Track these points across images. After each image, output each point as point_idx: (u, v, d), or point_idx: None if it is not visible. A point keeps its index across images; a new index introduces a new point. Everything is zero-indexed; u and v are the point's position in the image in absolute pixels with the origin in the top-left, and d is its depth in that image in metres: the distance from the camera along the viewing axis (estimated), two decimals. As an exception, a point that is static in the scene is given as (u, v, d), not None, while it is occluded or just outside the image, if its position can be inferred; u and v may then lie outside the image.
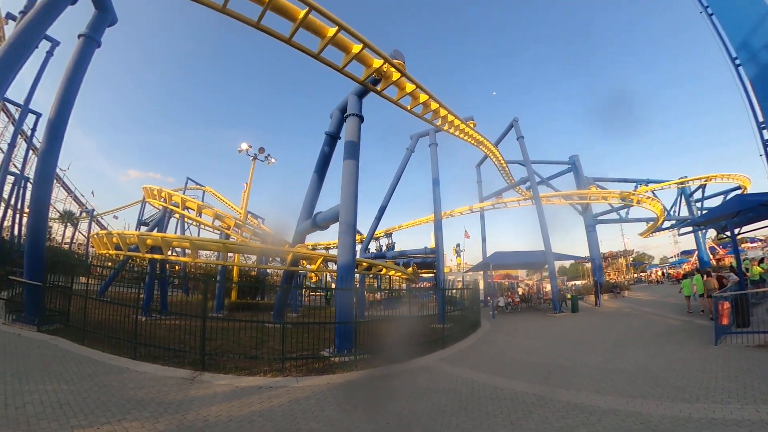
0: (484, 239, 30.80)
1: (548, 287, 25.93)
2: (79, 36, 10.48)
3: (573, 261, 33.15)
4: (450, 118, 14.26)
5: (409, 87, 11.27)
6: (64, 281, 9.62)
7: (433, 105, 12.65)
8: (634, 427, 4.59)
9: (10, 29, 18.14)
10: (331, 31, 9.23)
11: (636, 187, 34.15)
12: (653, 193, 32.64)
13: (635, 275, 49.31)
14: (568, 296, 21.31)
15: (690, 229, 37.50)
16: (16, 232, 25.51)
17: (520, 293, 26.53)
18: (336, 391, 6.27)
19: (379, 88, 10.89)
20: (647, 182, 34.59)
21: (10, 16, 18.84)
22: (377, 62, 10.18)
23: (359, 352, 8.37)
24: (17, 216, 25.77)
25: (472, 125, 17.88)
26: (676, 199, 36.01)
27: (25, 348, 7.25)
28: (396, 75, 10.52)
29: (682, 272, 36.58)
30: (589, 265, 33.27)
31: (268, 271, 23.35)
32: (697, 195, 35.76)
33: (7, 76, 7.90)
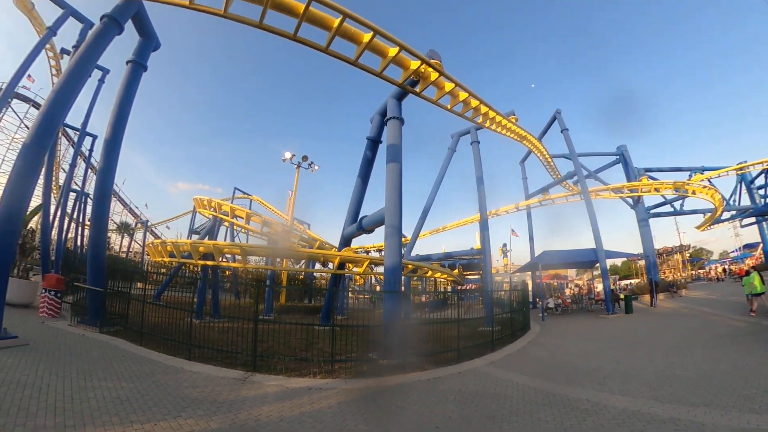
0: (531, 238, 29.68)
1: (600, 287, 24.55)
2: (127, 62, 11.26)
3: (625, 258, 31.15)
4: (491, 114, 13.85)
5: (448, 86, 11.08)
6: (123, 287, 10.23)
7: (474, 102, 12.34)
8: None
9: (65, 63, 20.11)
10: (367, 36, 9.26)
11: (690, 176, 31.46)
12: (709, 182, 29.81)
13: (693, 272, 45.51)
14: (622, 296, 20.09)
15: (753, 219, 34.05)
16: (78, 242, 27.84)
17: (568, 293, 25.31)
18: (385, 394, 6.19)
19: (417, 89, 10.79)
20: (702, 170, 31.71)
21: (64, 51, 20.78)
22: (414, 63, 10.11)
23: (407, 355, 8.25)
24: (79, 228, 28.16)
25: (513, 120, 17.28)
26: (736, 187, 32.70)
27: (89, 348, 7.69)
28: (434, 75, 10.37)
29: (745, 268, 33.32)
30: (642, 262, 31.12)
31: (315, 274, 23.88)
32: (759, 181, 32.37)
33: (66, 105, 8.54)
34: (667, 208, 31.39)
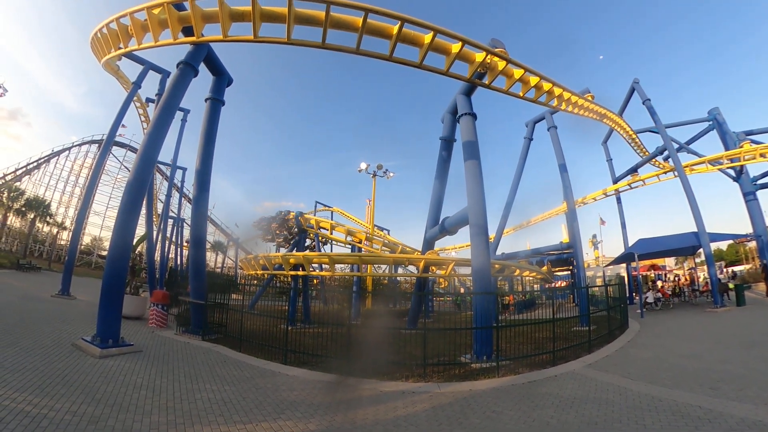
0: (623, 225, 26.92)
1: (704, 276, 21.65)
2: (206, 99, 12.53)
3: (731, 241, 27.06)
4: (566, 95, 13.06)
5: (517, 73, 10.68)
6: (222, 299, 11.31)
7: (546, 85, 11.70)
8: None
9: (150, 110, 23.01)
10: (428, 37, 9.30)
11: (804, 131, 26.39)
12: (832, 136, 24.78)
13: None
14: (731, 286, 17.56)
15: None
16: (178, 262, 31.60)
17: (661, 285, 22.67)
18: (479, 398, 6.09)
19: (486, 81, 10.56)
20: (820, 122, 26.42)
21: (149, 99, 23.93)
22: (479, 56, 9.90)
23: (500, 358, 8.07)
24: (178, 249, 31.97)
25: (590, 98, 16.09)
26: None
27: (193, 354, 8.49)
28: (501, 64, 10.08)
29: None
30: (752, 244, 26.71)
31: (398, 278, 24.40)
32: None
33: (157, 146, 9.79)
34: (779, 176, 26.60)
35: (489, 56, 9.82)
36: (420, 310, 14.35)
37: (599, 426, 4.67)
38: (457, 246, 37.18)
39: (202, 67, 11.91)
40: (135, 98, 23.20)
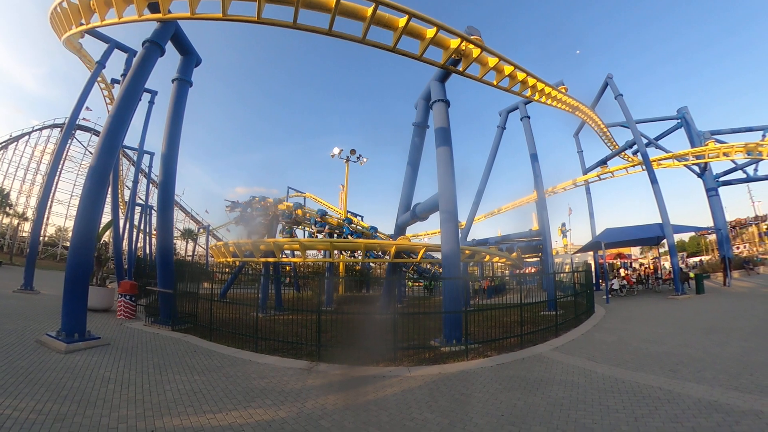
0: (591, 215, 27.93)
1: (667, 265, 22.71)
2: (173, 80, 11.99)
3: (693, 233, 28.58)
4: (540, 86, 13.22)
5: (492, 61, 10.68)
6: (191, 287, 11.02)
7: (520, 75, 11.81)
8: None
9: (116, 91, 21.90)
10: (402, 21, 9.13)
11: (764, 135, 27.89)
12: (788, 141, 26.39)
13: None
14: (692, 275, 18.54)
15: None
16: (147, 250, 30.48)
17: (626, 273, 23.70)
18: (448, 381, 6.15)
19: (460, 68, 10.53)
20: (778, 128, 28.14)
21: (114, 80, 22.74)
22: (454, 42, 9.85)
23: (469, 342, 8.19)
24: (147, 237, 30.81)
25: (563, 90, 16.38)
26: None
27: (163, 345, 8.29)
28: (476, 51, 10.05)
29: None
30: (713, 237, 28.38)
31: (371, 264, 24.37)
32: None
33: (122, 128, 9.29)
34: (739, 175, 28.14)
35: (464, 43, 9.78)
36: (392, 295, 14.49)
37: (564, 407, 4.80)
38: (429, 232, 37.66)
39: (170, 47, 11.39)
40: (99, 79, 21.94)
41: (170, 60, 12.33)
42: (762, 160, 24.81)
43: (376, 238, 20.53)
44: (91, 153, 45.00)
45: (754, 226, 39.43)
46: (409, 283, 23.92)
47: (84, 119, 44.43)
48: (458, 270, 10.42)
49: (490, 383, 6.00)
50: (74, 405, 4.52)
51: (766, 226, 42.91)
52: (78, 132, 46.10)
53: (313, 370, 6.74)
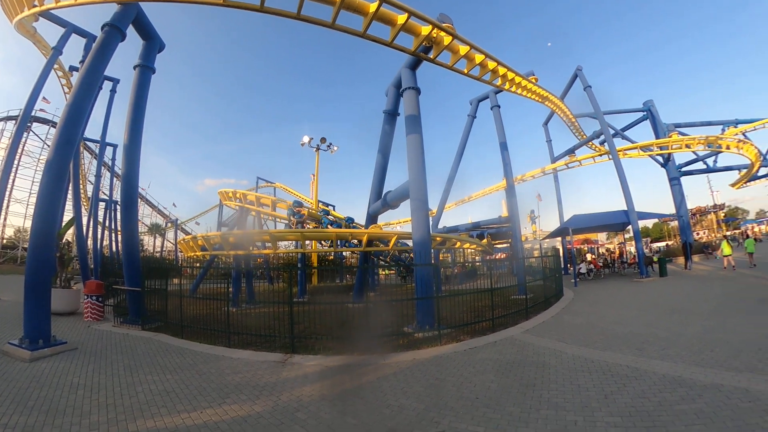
0: (560, 202, 28.83)
1: (632, 250, 23.74)
2: (135, 67, 11.37)
3: (657, 220, 30.08)
4: (510, 75, 13.35)
5: (463, 49, 10.70)
6: (160, 284, 10.62)
7: (491, 64, 11.90)
8: (742, 404, 4.00)
9: (75, 80, 20.59)
10: (373, 6, 8.99)
11: (723, 129, 29.70)
12: (744, 135, 28.06)
13: (728, 233, 43.53)
14: (655, 259, 19.49)
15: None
16: (114, 248, 29.12)
17: (591, 257, 24.78)
18: (422, 367, 6.22)
19: (431, 55, 10.49)
20: (736, 123, 29.87)
21: (73, 68, 21.24)
22: (425, 29, 9.77)
23: (441, 327, 8.27)
24: (113, 235, 29.42)
25: (534, 80, 16.63)
26: None
27: (133, 345, 8.02)
28: (447, 39, 10.03)
29: None
30: (675, 223, 29.95)
31: (344, 254, 24.25)
32: None
33: (81, 118, 8.66)
34: (700, 166, 29.84)
35: (435, 30, 9.74)
36: (365, 283, 14.55)
37: (537, 387, 4.92)
38: (401, 221, 37.94)
39: (132, 32, 10.78)
40: (56, 66, 20.46)
41: (134, 46, 11.73)
42: (721, 152, 26.36)
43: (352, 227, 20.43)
44: (49, 147, 42.40)
45: (712, 213, 41.97)
46: (385, 271, 24.01)
47: (41, 110, 41.68)
48: (430, 257, 10.49)
49: (463, 367, 6.10)
50: (42, 415, 4.32)
51: (723, 214, 45.75)
52: (35, 125, 43.15)
53: (288, 363, 6.66)
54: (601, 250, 31.02)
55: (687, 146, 25.47)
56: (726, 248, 18.20)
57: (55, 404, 4.66)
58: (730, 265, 17.67)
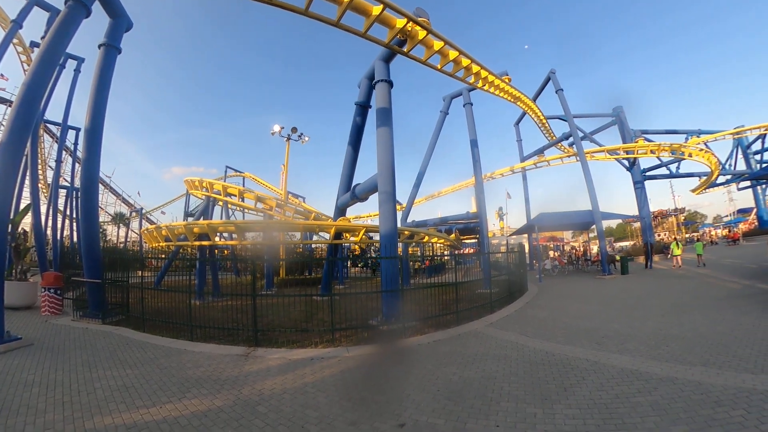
0: (527, 200, 30.04)
1: (595, 249, 24.75)
2: (100, 46, 10.76)
3: (621, 221, 31.58)
4: (483, 74, 13.50)
5: (437, 44, 10.72)
6: (122, 276, 10.25)
7: (465, 61, 11.97)
8: (694, 396, 4.23)
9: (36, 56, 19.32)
10: None
11: (687, 138, 31.47)
12: (706, 145, 29.88)
13: (687, 235, 46.10)
14: (618, 258, 20.38)
15: (748, 183, 34.33)
16: (75, 238, 27.63)
17: (555, 254, 25.75)
18: (386, 359, 6.28)
19: (405, 49, 10.45)
20: (699, 133, 31.73)
21: (34, 44, 19.93)
22: (400, 22, 9.73)
23: (407, 320, 8.33)
24: (74, 224, 27.91)
25: (507, 80, 16.91)
26: (732, 152, 33.06)
27: (92, 340, 7.74)
28: (422, 33, 10.01)
29: (739, 232, 34.84)
30: (637, 224, 31.51)
31: (313, 246, 24.00)
32: (756, 146, 32.46)
33: (39, 96, 8.19)
34: (663, 171, 31.59)
35: (410, 24, 9.72)
36: (332, 276, 14.48)
37: (498, 380, 5.06)
38: (372, 214, 38.05)
39: (98, 9, 10.21)
40: (16, 41, 19.23)
41: (101, 24, 11.09)
42: (684, 159, 27.92)
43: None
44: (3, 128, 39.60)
45: (673, 216, 44.34)
46: (359, 265, 23.90)
47: None
48: (396, 250, 10.56)
49: (427, 359, 6.20)
50: None
51: (683, 218, 48.41)
52: (-11, 104, 40.30)
53: (251, 356, 6.58)
54: (566, 248, 32.16)
55: (652, 152, 26.84)
56: (675, 249, 20.21)
57: (8, 403, 4.49)
58: (678, 264, 19.49)
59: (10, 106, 39.90)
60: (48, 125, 26.87)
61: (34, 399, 4.61)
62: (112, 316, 9.66)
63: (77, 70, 20.43)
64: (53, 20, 15.47)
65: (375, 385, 5.07)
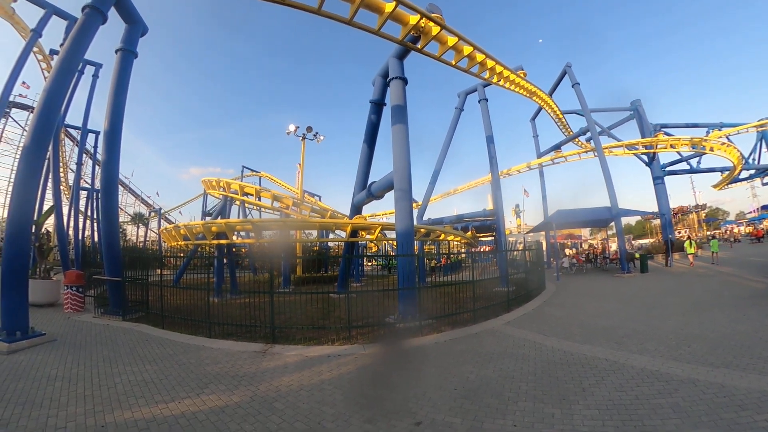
0: (544, 197, 29.29)
1: (614, 246, 24.20)
2: (116, 51, 11.04)
3: (640, 218, 30.73)
4: (498, 69, 13.32)
5: (451, 40, 10.63)
6: (142, 275, 10.46)
7: (479, 56, 11.83)
8: (717, 399, 4.08)
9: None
10: None
11: (708, 132, 30.36)
12: (728, 139, 28.69)
13: (708, 233, 44.67)
14: (637, 255, 19.89)
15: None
16: (96, 238, 28.42)
17: (572, 252, 25.25)
18: (402, 357, 6.26)
19: (419, 45, 10.39)
20: (721, 126, 30.56)
21: (53, 51, 20.50)
22: (413, 18, 9.67)
23: (423, 318, 8.29)
24: (94, 224, 28.71)
25: (522, 75, 16.61)
26: (756, 145, 31.54)
27: (113, 336, 7.92)
28: (435, 29, 9.94)
29: (763, 230, 33.63)
30: (657, 221, 30.66)
31: (329, 244, 24.07)
32: None
33: (59, 101, 8.40)
34: (683, 166, 30.54)
35: (423, 20, 9.64)
36: (348, 274, 14.43)
37: (516, 379, 4.98)
38: (387, 212, 38.00)
39: (115, 15, 10.44)
40: (36, 49, 19.84)
41: (117, 30, 11.35)
42: (705, 154, 26.93)
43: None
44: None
45: (694, 213, 42.97)
46: (373, 261, 23.82)
47: (21, 96, 40.23)
48: (413, 247, 10.50)
49: (443, 358, 6.15)
50: (18, 407, 4.26)
51: (705, 214, 46.87)
52: (14, 111, 41.68)
53: (268, 353, 6.63)
54: (584, 246, 31.51)
55: (672, 146, 26.01)
56: (689, 248, 20.08)
57: (32, 396, 4.60)
58: (691, 263, 19.51)
59: (32, 112, 41.54)
60: (68, 129, 27.70)
61: (57, 392, 4.72)
62: (132, 313, 9.88)
63: (95, 76, 21.01)
64: (71, 28, 15.99)
65: (391, 383, 5.06)
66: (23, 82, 37.14)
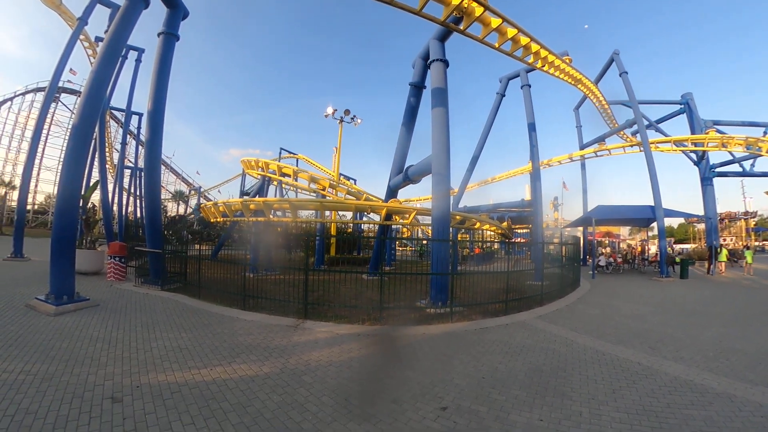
0: (585, 191, 28.14)
1: (654, 248, 22.98)
2: (159, 34, 11.37)
3: (682, 220, 28.93)
4: (543, 53, 12.68)
5: (495, 22, 10.20)
6: (181, 248, 11.01)
7: (523, 40, 11.30)
8: (754, 419, 3.79)
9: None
10: None
11: (766, 132, 27.82)
12: (789, 141, 26.29)
13: (757, 243, 41.23)
14: (678, 259, 18.82)
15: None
16: (138, 214, 30.07)
17: (605, 251, 24.19)
18: (431, 342, 6.23)
19: (461, 27, 10.04)
20: (781, 127, 27.98)
21: (98, 39, 21.48)
22: None
23: (454, 305, 8.25)
24: (137, 201, 30.36)
25: (568, 61, 15.80)
26: None
27: (152, 304, 8.33)
28: (479, 10, 9.56)
29: None
30: (701, 226, 28.73)
31: (363, 227, 24.22)
32: None
33: (105, 85, 8.82)
34: (735, 168, 28.08)
35: (467, 0, 9.28)
36: (381, 256, 14.43)
37: (545, 374, 4.87)
38: (421, 198, 37.61)
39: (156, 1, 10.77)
40: (82, 37, 20.84)
41: (159, 15, 11.72)
42: (760, 156, 24.70)
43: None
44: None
45: (743, 220, 39.79)
46: (407, 247, 23.69)
47: (69, 82, 42.79)
48: (448, 233, 10.36)
49: (473, 346, 6.08)
50: (62, 365, 4.55)
51: (754, 222, 43.34)
52: (64, 95, 44.42)
53: (299, 327, 6.78)
54: (622, 245, 30.06)
55: (724, 145, 24.03)
56: (722, 256, 19.64)
57: (75, 355, 4.91)
58: (749, 272, 18.89)
59: (79, 96, 43.96)
60: (113, 111, 29.20)
61: (98, 353, 5.03)
62: (170, 284, 10.39)
63: (138, 60, 21.93)
64: (115, 14, 16.68)
65: (419, 366, 5.04)
66: (71, 69, 39.39)
